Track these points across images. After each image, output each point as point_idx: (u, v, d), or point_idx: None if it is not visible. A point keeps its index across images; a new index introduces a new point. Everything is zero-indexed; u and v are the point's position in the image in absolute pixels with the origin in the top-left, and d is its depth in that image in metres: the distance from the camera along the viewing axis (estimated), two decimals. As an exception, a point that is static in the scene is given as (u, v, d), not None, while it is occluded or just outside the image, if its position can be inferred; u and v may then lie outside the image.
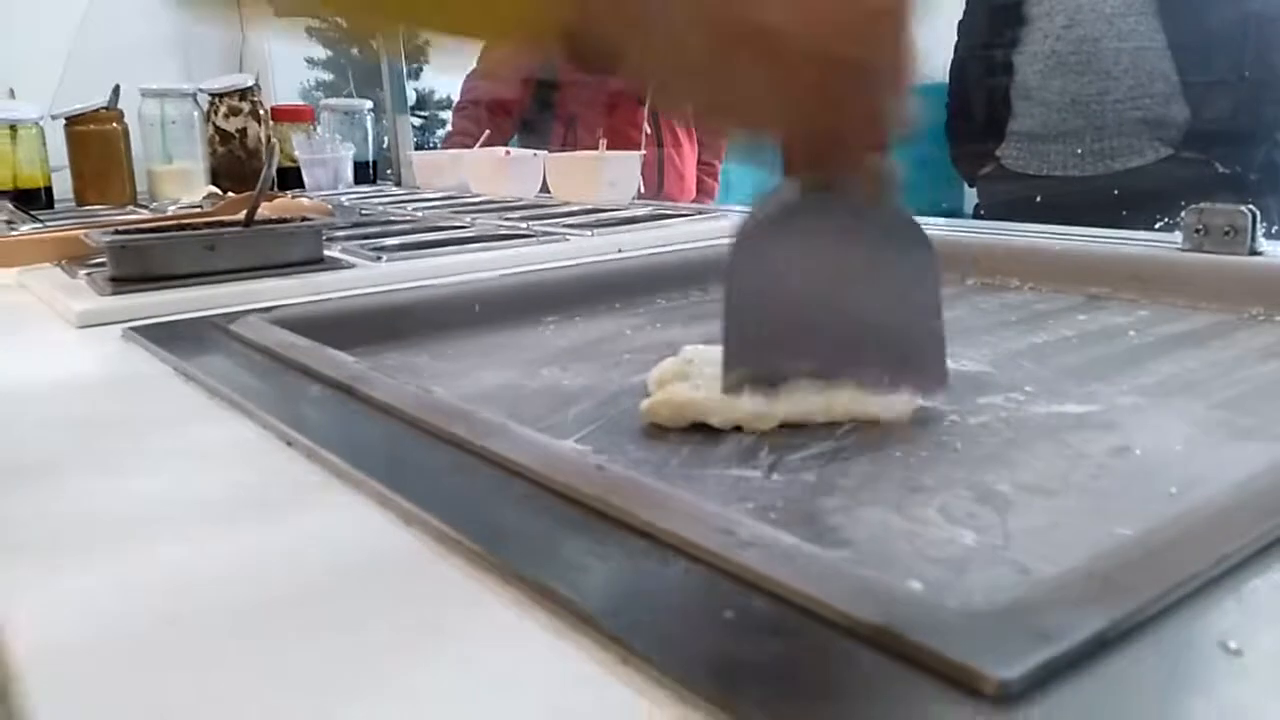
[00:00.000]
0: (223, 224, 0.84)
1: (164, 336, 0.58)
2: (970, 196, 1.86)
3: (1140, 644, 0.22)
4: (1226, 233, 0.64)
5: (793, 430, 0.42)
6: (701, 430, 0.42)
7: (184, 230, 0.81)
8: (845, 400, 0.42)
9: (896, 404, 0.42)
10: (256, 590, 0.28)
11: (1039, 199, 1.50)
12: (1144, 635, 0.22)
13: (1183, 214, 0.67)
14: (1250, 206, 0.64)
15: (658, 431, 0.42)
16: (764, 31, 0.34)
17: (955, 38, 1.68)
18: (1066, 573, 0.24)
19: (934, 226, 0.85)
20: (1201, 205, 0.66)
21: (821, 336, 0.42)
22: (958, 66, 1.69)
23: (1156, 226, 0.72)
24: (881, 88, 0.36)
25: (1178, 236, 0.67)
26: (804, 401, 0.42)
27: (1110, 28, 1.45)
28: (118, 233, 0.79)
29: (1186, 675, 0.21)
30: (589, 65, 0.37)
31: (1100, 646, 0.21)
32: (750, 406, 0.41)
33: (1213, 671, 0.21)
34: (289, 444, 0.40)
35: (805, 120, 0.36)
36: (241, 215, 0.85)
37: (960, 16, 1.67)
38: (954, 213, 2.43)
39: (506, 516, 0.32)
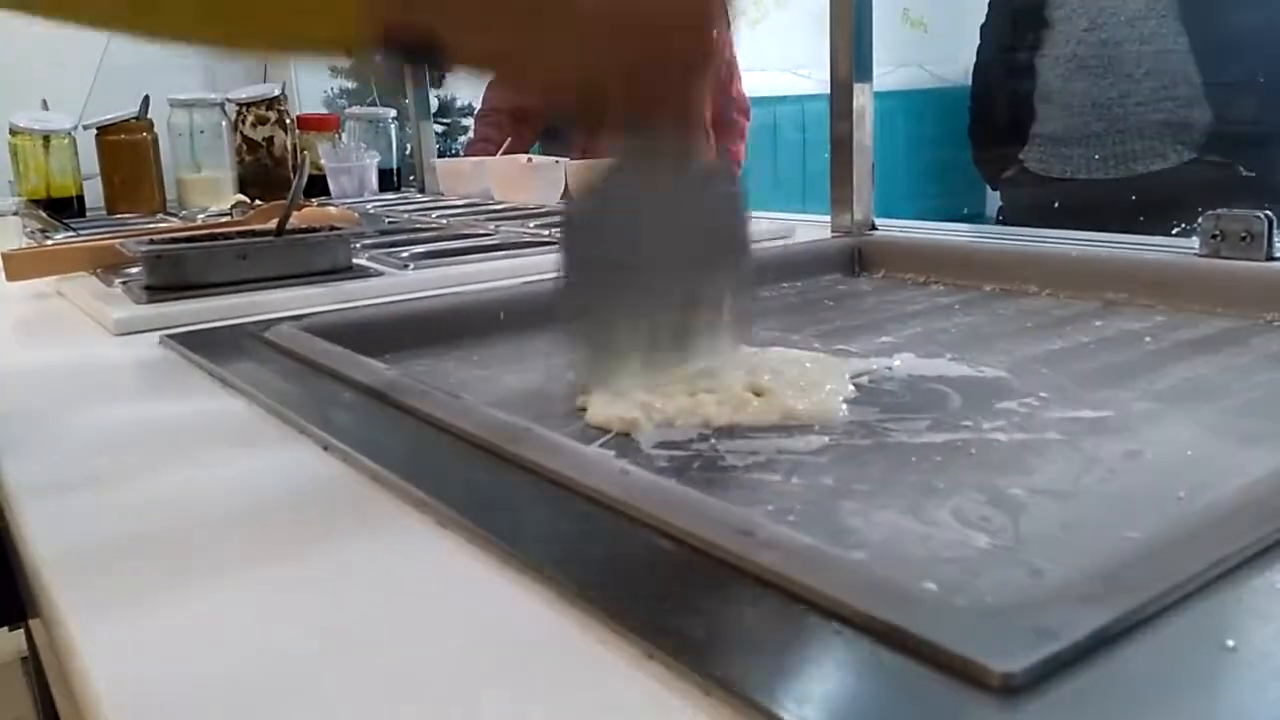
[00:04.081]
0: (254, 233, 0.86)
1: (200, 344, 0.60)
2: (992, 200, 1.86)
3: (1140, 641, 0.23)
4: (1243, 238, 0.65)
5: (809, 436, 0.43)
6: (721, 435, 0.43)
7: (217, 240, 0.83)
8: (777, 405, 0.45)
9: (828, 406, 0.45)
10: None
11: (1061, 202, 1.51)
12: (1144, 632, 0.23)
13: (1200, 219, 0.67)
14: (1267, 212, 0.64)
15: (678, 437, 0.44)
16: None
17: (978, 41, 1.69)
18: (1071, 573, 0.25)
19: (953, 232, 0.86)
20: (1219, 211, 0.66)
21: (645, 284, 0.46)
22: (980, 70, 1.70)
23: (1174, 232, 0.72)
24: (688, 50, 0.40)
25: (1195, 242, 0.67)
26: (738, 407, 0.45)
27: (1132, 31, 1.45)
28: (152, 242, 0.81)
29: (1184, 670, 0.22)
30: (420, 62, 0.39)
31: (1102, 642, 0.22)
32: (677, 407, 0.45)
33: (1209, 667, 0.22)
34: (325, 448, 0.41)
35: (615, 79, 0.40)
36: (271, 224, 0.87)
37: (983, 20, 1.67)
38: (976, 216, 2.43)
39: (535, 518, 0.33)
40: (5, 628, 0.70)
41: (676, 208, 0.46)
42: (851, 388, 0.49)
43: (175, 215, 1.53)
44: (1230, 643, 0.23)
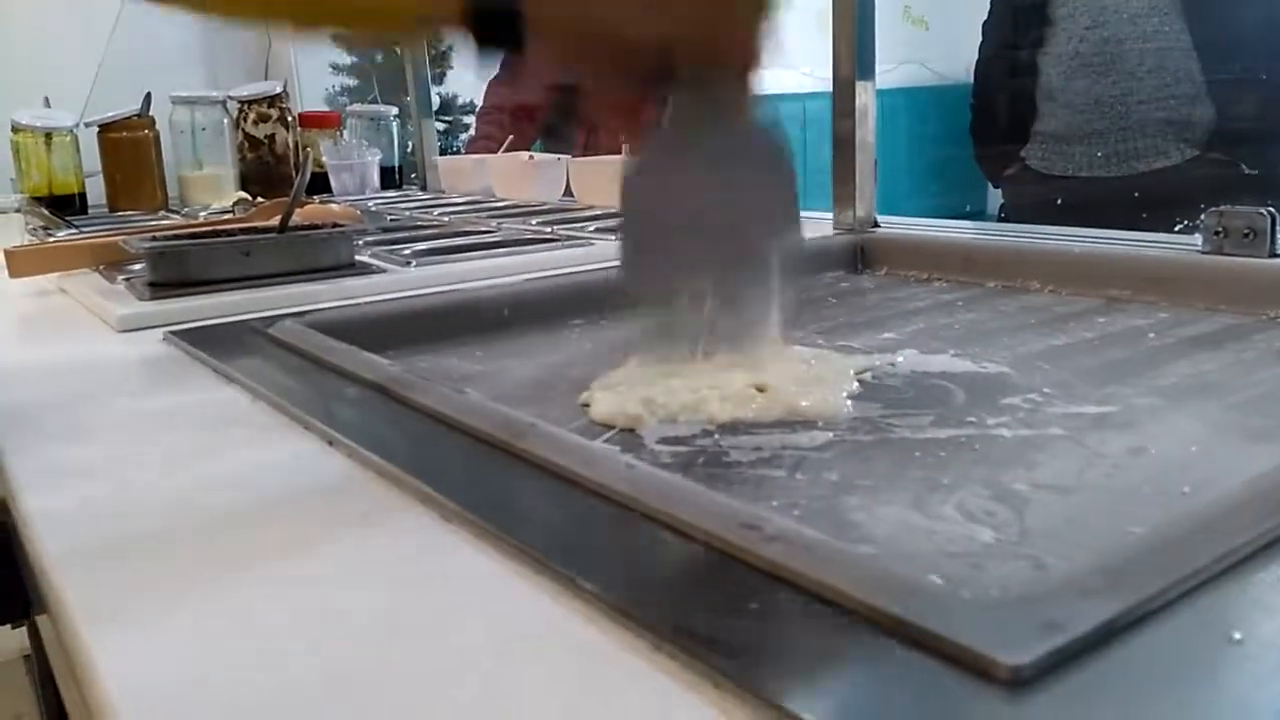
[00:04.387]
0: (257, 230, 0.86)
1: (204, 340, 0.60)
2: (994, 198, 1.86)
3: (1147, 633, 0.23)
4: (1246, 235, 0.65)
5: (813, 432, 0.43)
6: (726, 431, 0.43)
7: (220, 237, 0.83)
8: (778, 402, 0.45)
9: (831, 403, 0.45)
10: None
11: (1064, 200, 1.51)
12: (1151, 625, 0.23)
13: (1202, 216, 0.67)
14: (1270, 209, 0.64)
15: (682, 433, 0.44)
16: None
17: (980, 39, 1.69)
18: (1077, 567, 0.25)
19: (956, 229, 0.86)
20: (1221, 208, 0.66)
21: (698, 246, 0.47)
22: (983, 67, 1.70)
23: (1176, 230, 0.72)
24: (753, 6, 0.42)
25: (1198, 239, 0.67)
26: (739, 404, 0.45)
27: (1134, 28, 1.45)
28: (155, 239, 0.82)
29: (1191, 663, 0.22)
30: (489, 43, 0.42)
31: (1108, 635, 0.22)
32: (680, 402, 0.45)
33: (1216, 659, 0.22)
34: (330, 443, 0.41)
35: (687, 32, 0.42)
36: (273, 221, 0.88)
37: (985, 17, 1.67)
38: (978, 214, 2.43)
39: (541, 513, 0.33)
40: (8, 625, 0.70)
41: (728, 164, 0.47)
42: (855, 384, 0.49)
43: (177, 212, 1.53)
44: (1236, 635, 0.23)
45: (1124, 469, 0.38)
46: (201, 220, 1.25)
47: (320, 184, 1.72)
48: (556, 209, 1.27)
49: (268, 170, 1.75)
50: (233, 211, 1.30)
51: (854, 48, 0.87)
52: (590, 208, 1.24)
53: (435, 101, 2.14)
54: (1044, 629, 0.22)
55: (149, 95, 1.64)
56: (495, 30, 0.41)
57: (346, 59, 2.53)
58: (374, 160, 1.75)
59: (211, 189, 1.67)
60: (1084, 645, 0.22)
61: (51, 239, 1.11)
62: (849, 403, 0.46)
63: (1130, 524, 0.33)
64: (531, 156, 1.50)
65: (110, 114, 1.63)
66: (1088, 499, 0.36)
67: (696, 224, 0.47)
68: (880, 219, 0.90)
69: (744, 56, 0.44)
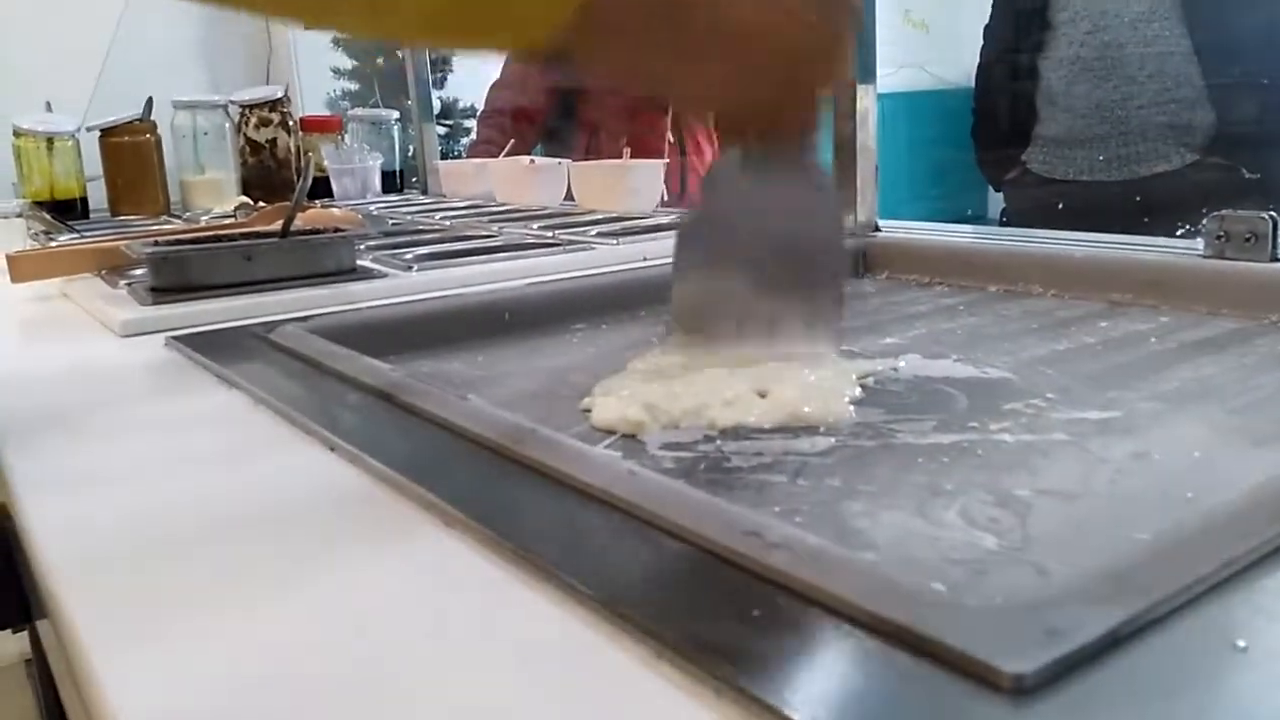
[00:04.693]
0: (259, 235, 0.86)
1: (206, 345, 0.60)
2: (995, 202, 1.86)
3: (1151, 641, 0.23)
4: (1248, 239, 0.65)
5: (815, 437, 0.43)
6: (727, 437, 0.43)
7: (221, 241, 0.83)
8: (782, 407, 0.45)
9: (834, 408, 0.45)
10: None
11: (1065, 204, 1.51)
12: (1155, 633, 0.23)
13: (1204, 220, 0.67)
14: (1272, 213, 0.64)
15: (684, 438, 0.44)
16: (733, 25, 0.40)
17: (981, 43, 1.69)
18: (1080, 574, 0.25)
19: (957, 233, 0.86)
20: (1223, 212, 0.66)
21: (751, 275, 0.49)
22: (984, 72, 1.70)
23: (1177, 234, 0.72)
24: (823, 76, 0.44)
25: (1199, 243, 0.67)
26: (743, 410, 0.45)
27: (1135, 33, 1.45)
28: (157, 244, 0.82)
29: (1195, 670, 0.22)
30: (569, 63, 0.42)
31: (1113, 643, 0.22)
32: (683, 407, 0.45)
33: (1220, 667, 0.22)
34: (332, 449, 0.41)
35: (759, 102, 0.44)
36: (275, 226, 0.88)
37: (986, 22, 1.67)
38: (979, 218, 2.42)
39: (542, 518, 0.33)
40: (9, 630, 0.70)
41: (780, 208, 0.49)
42: (857, 389, 0.49)
43: (179, 217, 1.53)
44: (1241, 643, 0.23)
45: (1127, 474, 0.38)
46: (203, 225, 1.26)
47: (322, 188, 1.73)
48: (558, 213, 1.27)
49: (269, 175, 1.75)
50: (234, 216, 1.30)
51: (854, 51, 0.87)
52: (591, 212, 1.24)
53: (436, 105, 2.15)
54: (1047, 636, 0.22)
55: (150, 100, 1.65)
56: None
57: (348, 63, 2.54)
58: (375, 164, 1.75)
59: (213, 193, 1.67)
60: (1087, 653, 0.22)
61: (53, 244, 1.11)
62: (851, 408, 0.46)
63: (1134, 530, 0.33)
64: (533, 161, 1.50)
65: (112, 118, 1.64)
66: (1091, 505, 0.36)
67: (748, 256, 0.49)
68: (881, 223, 0.90)
69: (803, 124, 0.46)
